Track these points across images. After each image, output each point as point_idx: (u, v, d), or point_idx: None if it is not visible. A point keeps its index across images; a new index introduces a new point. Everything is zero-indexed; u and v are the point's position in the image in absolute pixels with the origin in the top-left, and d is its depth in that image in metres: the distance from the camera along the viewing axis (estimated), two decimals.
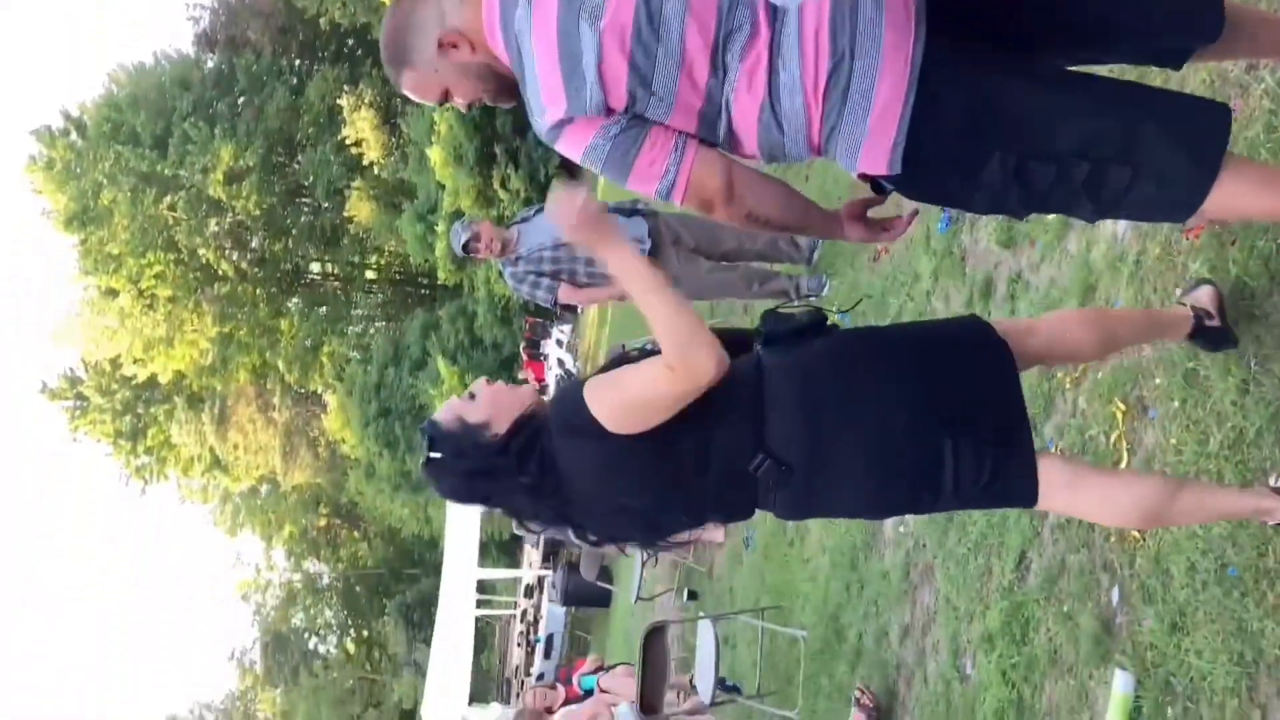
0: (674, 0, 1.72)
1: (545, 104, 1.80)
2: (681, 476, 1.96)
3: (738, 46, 1.74)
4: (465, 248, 5.38)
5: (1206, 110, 1.80)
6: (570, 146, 1.85)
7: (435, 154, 23.91)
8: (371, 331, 39.95)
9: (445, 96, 1.98)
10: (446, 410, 2.07)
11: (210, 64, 36.14)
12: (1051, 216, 3.39)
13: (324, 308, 39.14)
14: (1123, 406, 2.90)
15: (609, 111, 1.78)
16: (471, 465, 2.01)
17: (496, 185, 23.27)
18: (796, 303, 5.56)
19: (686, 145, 1.81)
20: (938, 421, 1.91)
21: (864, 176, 1.89)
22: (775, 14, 1.73)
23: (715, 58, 1.74)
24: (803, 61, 1.73)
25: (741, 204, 1.88)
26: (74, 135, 34.49)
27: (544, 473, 1.96)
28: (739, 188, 1.86)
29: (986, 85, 1.77)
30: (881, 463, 1.94)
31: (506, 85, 1.92)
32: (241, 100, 33.97)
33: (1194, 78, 2.76)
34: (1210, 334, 2.42)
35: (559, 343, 21.89)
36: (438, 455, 2.04)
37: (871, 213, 2.06)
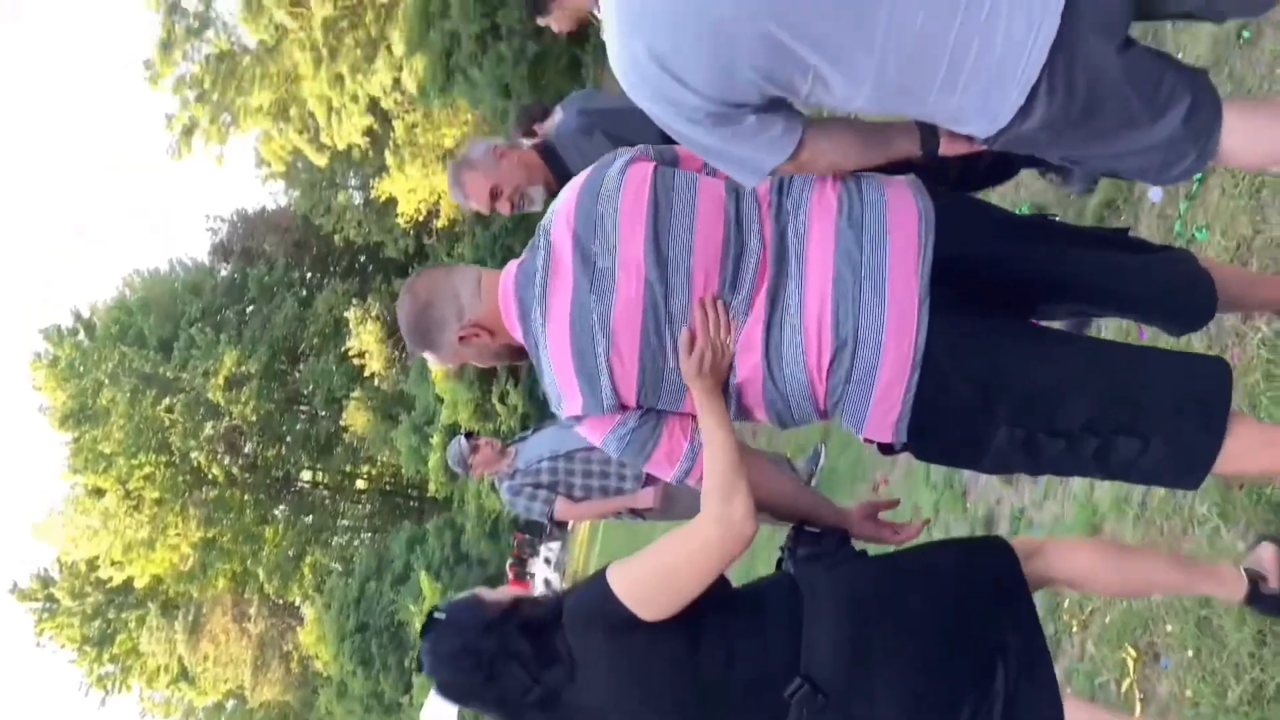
0: (678, 298, 1.79)
1: (563, 396, 1.86)
2: (707, 691, 1.80)
3: (742, 336, 1.80)
4: (463, 461, 5.36)
5: (1207, 370, 1.83)
6: (590, 434, 1.90)
7: (437, 370, 24.27)
8: (356, 543, 39.36)
9: (464, 365, 2.07)
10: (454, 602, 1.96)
11: (224, 273, 37.24)
12: None
13: (310, 516, 38.69)
14: (1134, 652, 2.81)
15: (622, 408, 1.83)
16: (469, 640, 1.82)
17: (495, 400, 23.50)
18: None
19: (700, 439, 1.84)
20: (974, 659, 1.83)
21: (870, 440, 1.90)
22: (776, 302, 1.78)
23: None
24: (806, 346, 1.77)
25: (754, 494, 1.85)
26: (82, 335, 35.13)
27: (545, 665, 1.77)
28: (753, 479, 1.85)
29: (993, 360, 1.78)
30: (919, 696, 1.84)
31: (523, 352, 1.98)
32: (250, 309, 34.81)
33: None
34: (1268, 601, 2.25)
35: (547, 561, 21.52)
36: (441, 616, 1.87)
37: (883, 515, 2.09)
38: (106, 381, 33.52)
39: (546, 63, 21.92)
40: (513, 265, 1.96)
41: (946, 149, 1.83)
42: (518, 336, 1.93)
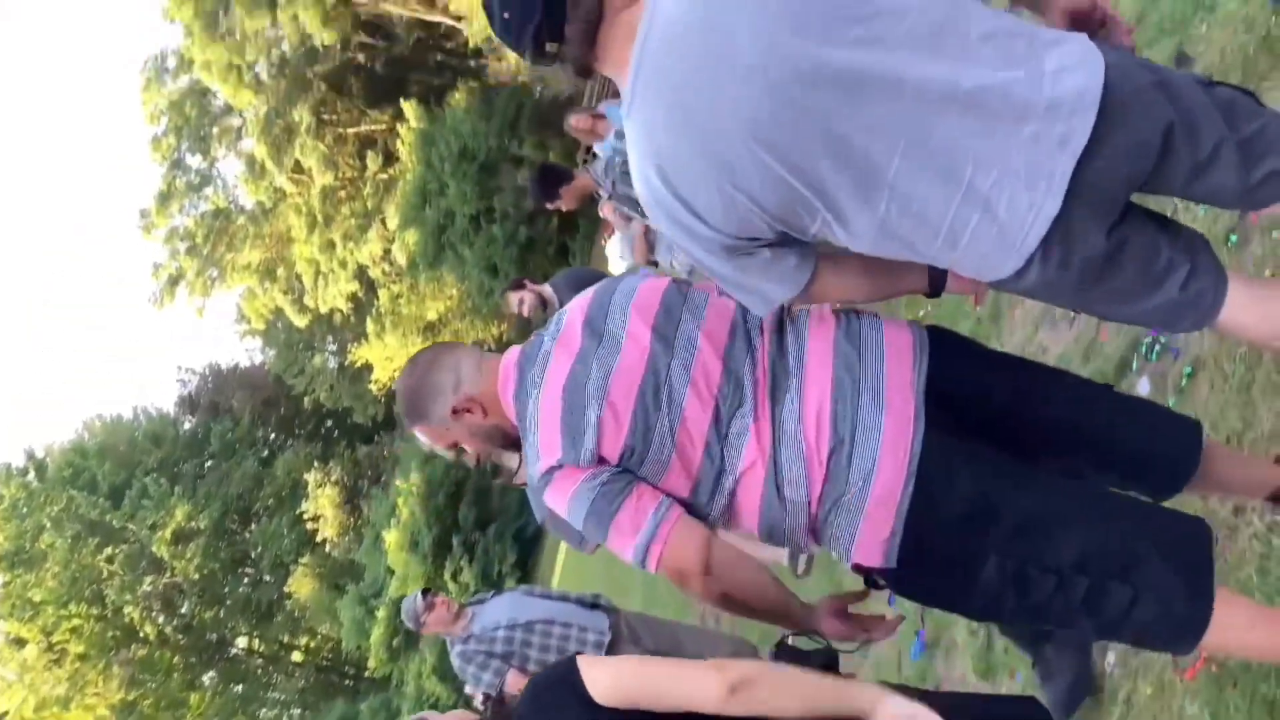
0: (679, 371, 1.78)
1: (541, 452, 1.81)
2: None
3: (739, 424, 1.77)
4: (415, 617, 5.14)
5: (1188, 529, 1.81)
6: (557, 494, 1.81)
7: (391, 537, 23.76)
8: (285, 718, 37.37)
9: (455, 447, 2.01)
10: None
11: (187, 425, 36.86)
12: None
13: (240, 686, 36.91)
14: None
15: (600, 461, 1.77)
16: None
17: (448, 576, 22.89)
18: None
19: (671, 508, 1.77)
20: None
21: (858, 568, 1.84)
22: (776, 395, 1.77)
23: (717, 428, 1.77)
24: (805, 444, 1.75)
25: (719, 581, 1.79)
26: (32, 475, 34.32)
27: None
28: (718, 563, 1.78)
29: (986, 484, 1.77)
30: None
31: (513, 440, 1.94)
32: (209, 464, 34.28)
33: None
34: None
35: None
36: None
37: (853, 608, 1.98)
38: (49, 525, 32.52)
39: (536, 247, 22.54)
40: (516, 347, 1.95)
41: (953, 288, 1.88)
42: (511, 415, 1.89)
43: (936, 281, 1.88)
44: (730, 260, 1.72)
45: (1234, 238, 2.96)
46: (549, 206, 4.83)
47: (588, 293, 1.93)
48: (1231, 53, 3.12)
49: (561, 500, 1.81)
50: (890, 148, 1.57)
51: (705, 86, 1.60)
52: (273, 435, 37.40)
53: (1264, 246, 2.85)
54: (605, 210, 4.82)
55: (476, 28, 23.11)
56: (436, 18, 26.32)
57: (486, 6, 1.76)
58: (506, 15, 1.72)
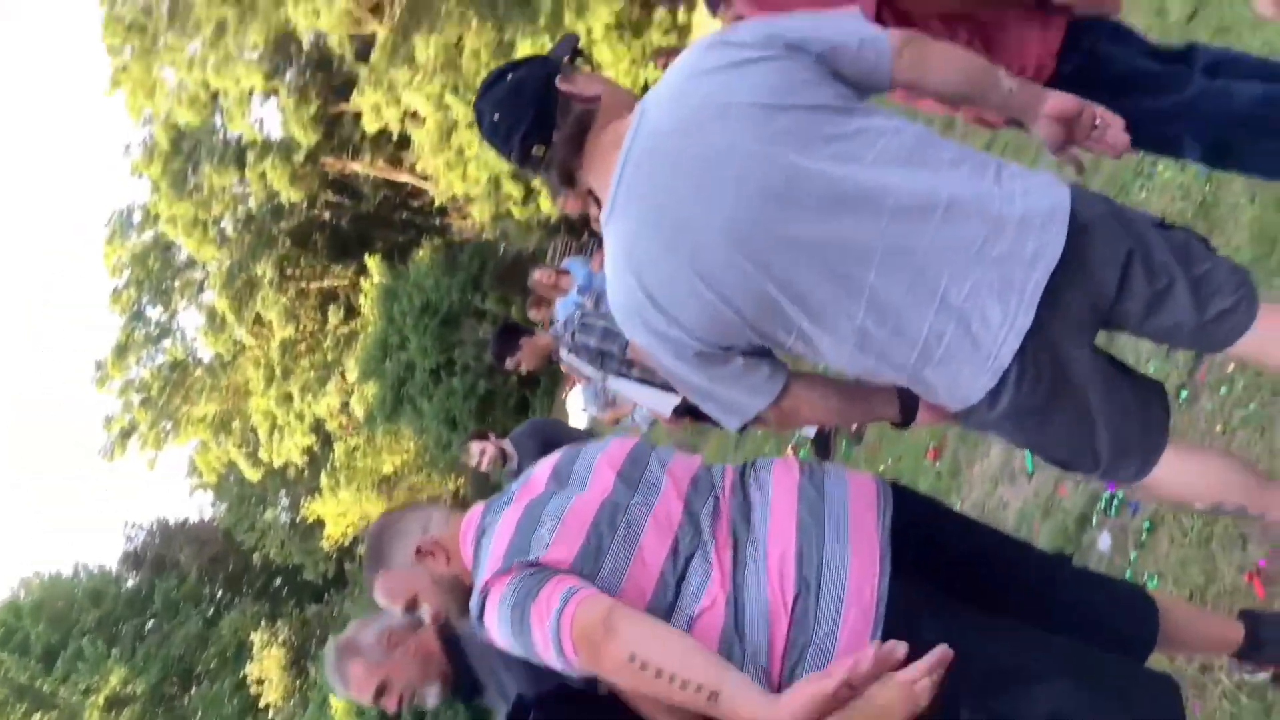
0: (640, 506, 1.77)
1: (486, 570, 1.74)
2: None
3: (700, 563, 1.73)
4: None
5: (1159, 689, 1.80)
6: (490, 612, 1.72)
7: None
8: None
9: (413, 604, 1.93)
10: None
11: (130, 583, 35.60)
12: None
13: None
14: None
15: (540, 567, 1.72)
16: None
17: None
18: None
19: (588, 585, 1.67)
20: None
21: None
22: (738, 539, 1.75)
23: (674, 560, 1.73)
24: (769, 589, 1.71)
25: (624, 644, 1.72)
26: None
27: None
28: (624, 625, 1.70)
29: (954, 633, 1.71)
30: None
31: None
32: (151, 624, 32.98)
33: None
34: None
35: None
36: None
37: None
38: None
39: (496, 400, 22.50)
40: (482, 502, 1.93)
41: (923, 418, 1.88)
42: (468, 554, 1.84)
43: (907, 410, 1.89)
44: (703, 369, 1.74)
45: (1184, 394, 3.03)
46: (507, 367, 4.86)
47: (557, 451, 1.94)
48: (1171, 217, 3.25)
49: (493, 617, 1.71)
50: (867, 258, 1.61)
51: (688, 195, 1.64)
52: (219, 593, 36.15)
53: (1214, 402, 2.91)
54: (565, 366, 4.87)
55: (443, 187, 23.70)
56: (403, 178, 26.95)
57: (476, 110, 1.81)
58: (496, 118, 1.77)
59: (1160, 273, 1.66)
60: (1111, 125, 1.72)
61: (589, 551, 1.69)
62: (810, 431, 5.92)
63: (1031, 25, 2.17)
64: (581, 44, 1.96)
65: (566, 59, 1.85)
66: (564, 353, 4.68)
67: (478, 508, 1.90)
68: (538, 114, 1.75)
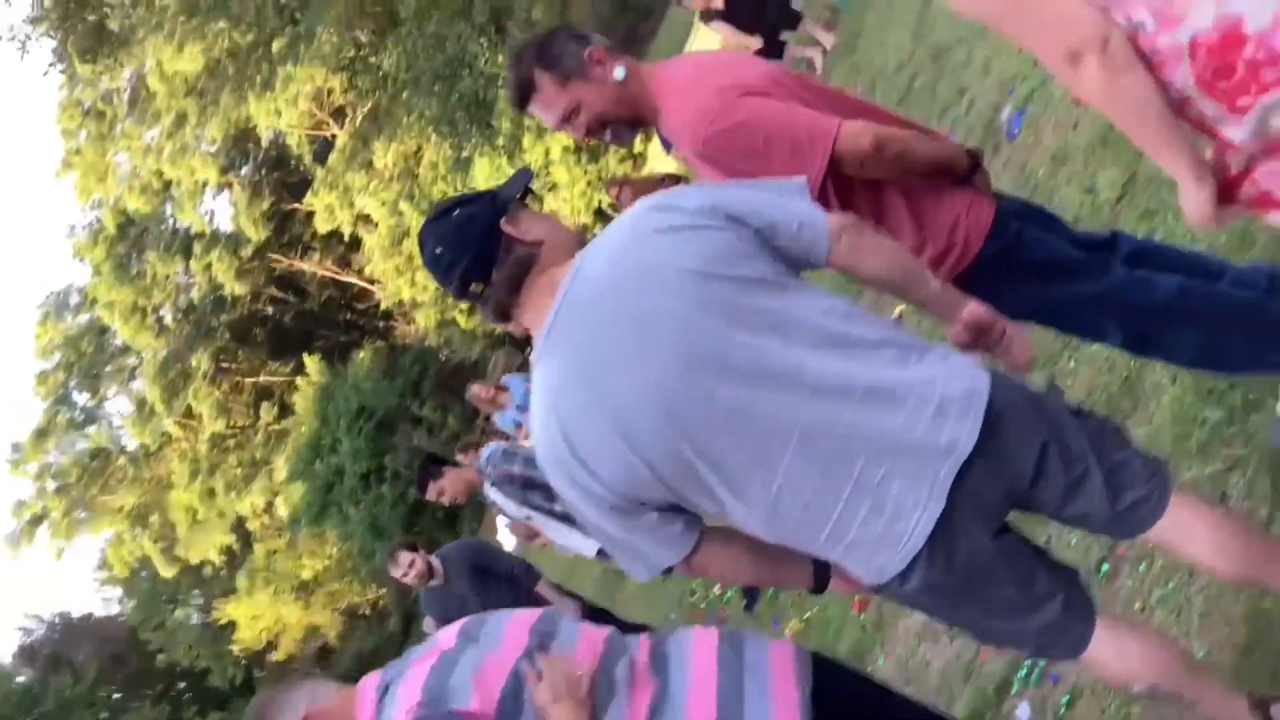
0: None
1: (398, 711, 1.67)
2: None
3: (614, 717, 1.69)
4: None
5: None
6: None
7: None
8: None
9: None
10: None
11: (21, 679, 33.77)
12: None
13: None
14: None
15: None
16: None
17: None
18: None
19: None
20: None
21: None
22: (656, 705, 1.71)
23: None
24: None
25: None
26: None
27: None
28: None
29: None
30: None
31: None
32: None
33: None
34: None
35: None
36: None
37: None
38: None
39: (425, 510, 22.09)
40: (375, 671, 1.84)
41: (836, 586, 1.87)
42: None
43: (821, 578, 1.88)
44: (618, 520, 1.74)
45: (1105, 568, 3.04)
46: (429, 497, 4.79)
47: (461, 620, 1.89)
48: (1096, 390, 3.32)
49: None
50: (786, 434, 1.63)
51: (616, 353, 1.66)
52: (117, 695, 34.42)
53: (1134, 579, 2.92)
54: (489, 502, 4.81)
55: (390, 291, 23.72)
56: (350, 279, 26.95)
57: (421, 238, 1.84)
58: (439, 251, 1.81)
59: (1076, 462, 1.69)
60: (1016, 341, 1.77)
61: (506, 698, 1.65)
62: None
63: (963, 204, 2.23)
64: (539, 167, 2.00)
65: (517, 197, 1.88)
66: (488, 487, 4.62)
67: (372, 676, 1.82)
68: (479, 253, 1.79)
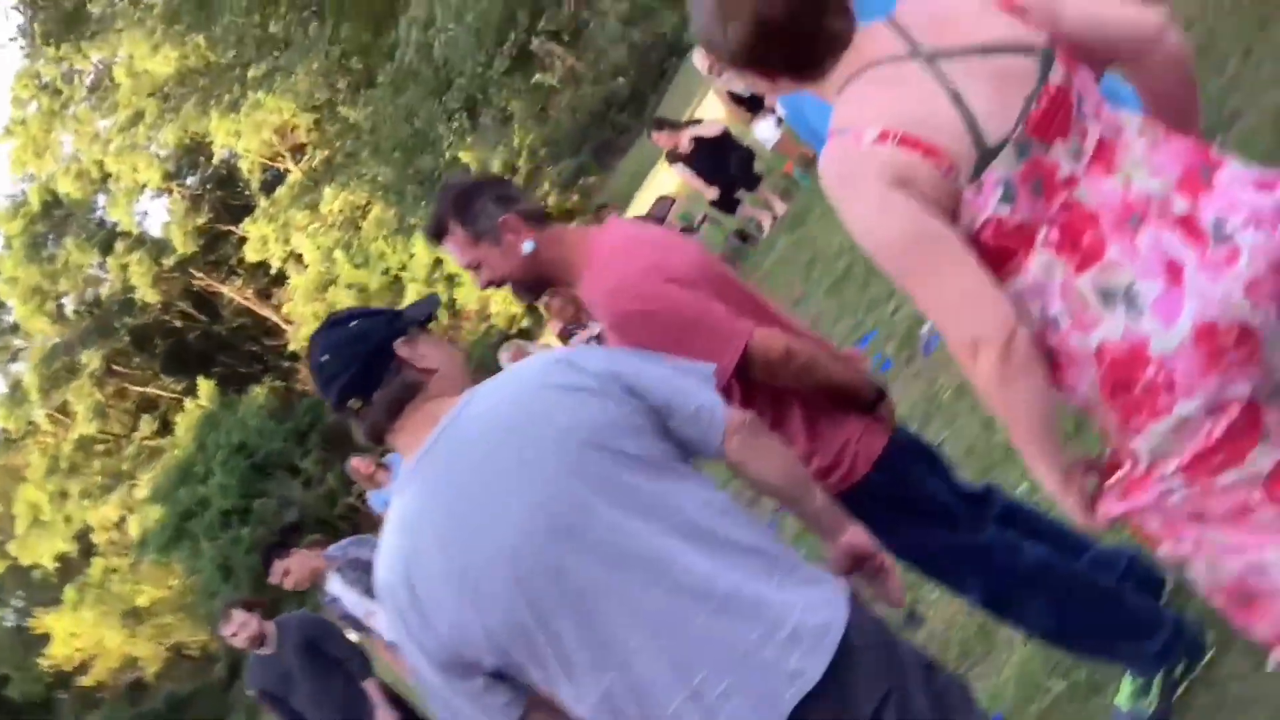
0: None
1: None
2: None
3: None
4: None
5: None
6: None
7: None
8: None
9: None
10: None
11: None
12: None
13: None
14: None
15: None
16: None
17: None
18: None
19: None
20: None
21: None
22: None
23: None
24: None
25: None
26: None
27: None
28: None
29: None
30: None
31: None
32: None
33: None
34: None
35: None
36: None
37: None
38: None
39: None
40: None
41: None
42: None
43: None
44: (443, 676, 1.65)
45: None
46: (272, 578, 4.63)
47: None
48: (955, 627, 3.33)
49: None
50: (633, 623, 1.57)
51: (478, 504, 1.61)
52: None
53: None
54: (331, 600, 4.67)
55: (303, 334, 23.34)
56: (267, 313, 26.49)
57: (312, 340, 1.78)
58: (325, 359, 1.73)
59: (912, 718, 1.67)
60: (891, 576, 1.76)
61: None
62: None
63: (857, 427, 2.24)
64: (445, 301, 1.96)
65: (421, 321, 1.84)
66: (331, 577, 4.47)
67: None
68: (363, 370, 1.72)
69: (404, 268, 22.14)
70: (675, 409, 1.70)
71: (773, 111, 7.77)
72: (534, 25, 16.20)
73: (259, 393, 24.46)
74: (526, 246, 2.12)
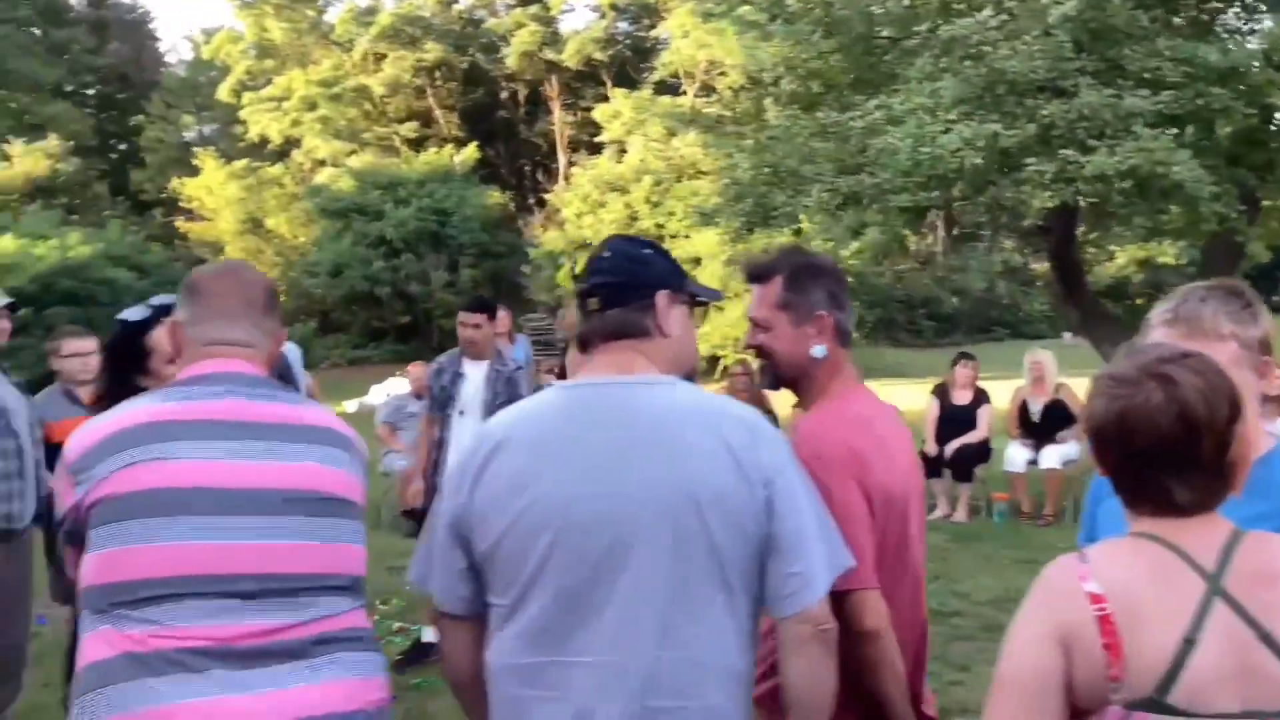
0: None
1: None
2: None
3: None
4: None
5: None
6: None
7: None
8: None
9: None
10: None
11: None
12: None
13: None
14: None
15: None
16: None
17: None
18: None
19: None
20: None
21: None
22: None
23: None
24: None
25: None
26: None
27: None
28: None
29: None
30: None
31: None
32: None
33: None
34: None
35: None
36: None
37: None
38: None
39: None
40: None
41: None
42: None
43: None
44: (448, 532, 1.76)
45: None
46: None
47: None
48: None
49: None
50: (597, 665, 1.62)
51: (632, 465, 1.66)
52: None
53: None
54: None
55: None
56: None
57: (607, 240, 1.89)
58: (608, 255, 1.82)
59: None
60: None
61: None
62: None
63: None
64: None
65: (695, 295, 1.90)
66: None
67: None
68: (627, 286, 1.79)
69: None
70: (784, 553, 1.65)
71: None
72: None
73: None
74: (817, 351, 2.07)
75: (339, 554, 1.81)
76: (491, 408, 5.08)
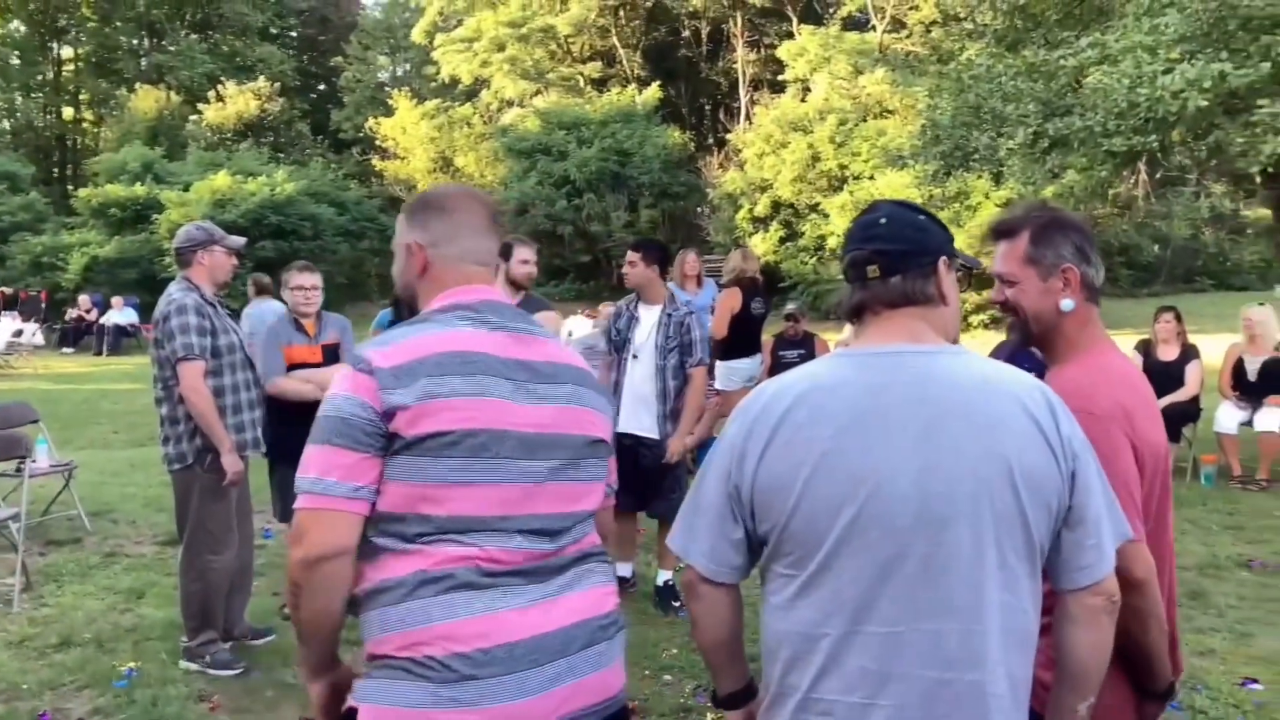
0: None
1: None
2: None
3: None
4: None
5: None
6: None
7: None
8: None
9: None
10: None
11: None
12: None
13: None
14: None
15: None
16: None
17: None
18: None
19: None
20: None
21: None
22: None
23: None
24: None
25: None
26: None
27: None
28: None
29: None
30: None
31: None
32: None
33: None
34: None
35: None
36: None
37: None
38: None
39: None
40: None
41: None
42: None
43: (735, 697, 1.89)
44: (720, 498, 1.77)
45: None
46: None
47: None
48: None
49: None
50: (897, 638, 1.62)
51: (946, 435, 1.65)
52: None
53: None
54: None
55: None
56: None
57: (878, 204, 1.87)
58: (884, 222, 1.78)
59: None
60: None
61: None
62: None
63: (1125, 700, 2.07)
64: None
65: (964, 263, 1.89)
66: None
67: None
68: (910, 254, 1.76)
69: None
70: (1083, 525, 1.65)
71: None
72: None
73: None
74: (1066, 304, 2.05)
75: (599, 491, 1.98)
76: (664, 352, 5.08)
